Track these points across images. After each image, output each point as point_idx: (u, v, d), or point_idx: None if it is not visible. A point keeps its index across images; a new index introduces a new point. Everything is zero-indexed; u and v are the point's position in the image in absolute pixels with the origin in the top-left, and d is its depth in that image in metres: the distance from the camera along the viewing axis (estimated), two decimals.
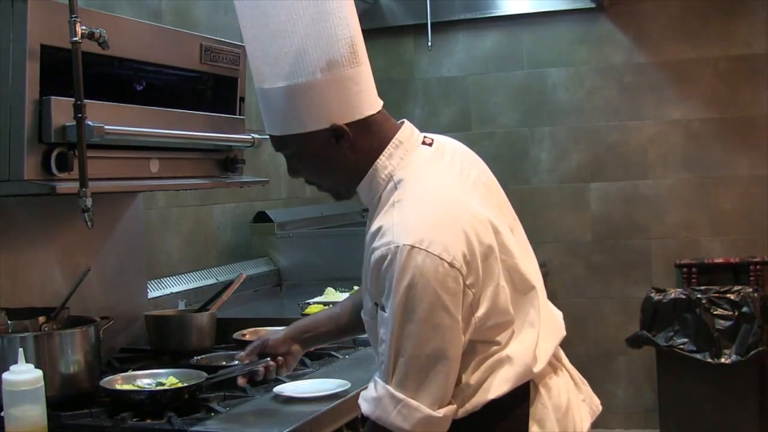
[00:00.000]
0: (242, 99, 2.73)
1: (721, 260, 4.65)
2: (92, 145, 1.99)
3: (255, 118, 3.84)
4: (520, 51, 4.93)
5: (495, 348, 1.66)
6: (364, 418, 1.68)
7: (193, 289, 3.18)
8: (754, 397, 4.35)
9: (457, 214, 1.63)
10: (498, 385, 1.66)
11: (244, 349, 2.52)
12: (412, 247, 1.55)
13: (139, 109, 2.27)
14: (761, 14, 4.60)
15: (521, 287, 1.70)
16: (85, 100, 1.95)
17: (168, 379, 2.20)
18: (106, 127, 2.00)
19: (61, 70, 1.96)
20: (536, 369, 1.69)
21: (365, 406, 1.62)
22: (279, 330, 2.15)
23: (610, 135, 4.81)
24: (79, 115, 1.94)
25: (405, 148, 1.76)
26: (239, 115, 2.72)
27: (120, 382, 2.17)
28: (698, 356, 4.29)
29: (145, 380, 2.21)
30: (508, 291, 1.66)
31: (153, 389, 2.14)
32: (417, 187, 1.68)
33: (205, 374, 2.17)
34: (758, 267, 4.58)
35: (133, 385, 2.18)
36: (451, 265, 1.56)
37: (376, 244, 1.61)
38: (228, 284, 2.81)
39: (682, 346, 4.33)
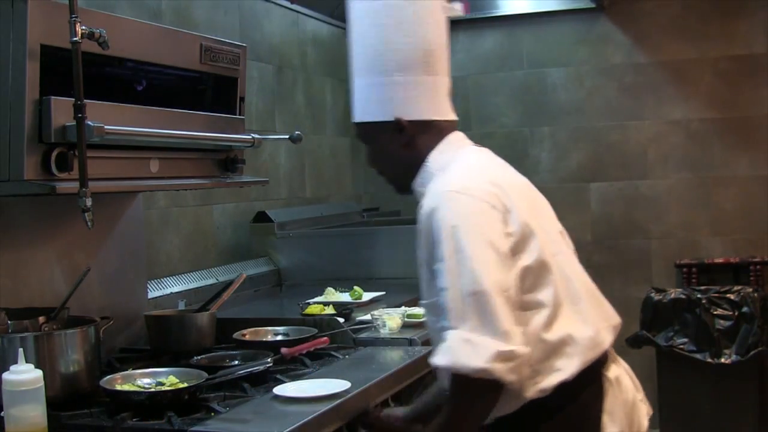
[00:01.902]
0: (242, 99, 2.73)
1: (721, 260, 4.65)
2: (92, 145, 2.00)
3: (255, 118, 3.85)
4: (520, 51, 4.93)
5: (547, 318, 1.78)
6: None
7: (193, 289, 3.18)
8: (754, 397, 4.35)
9: (498, 175, 1.88)
10: (566, 365, 1.78)
11: (244, 349, 2.54)
12: (454, 192, 1.77)
13: (139, 109, 2.27)
14: (761, 14, 4.60)
15: (565, 270, 1.86)
16: (85, 100, 1.95)
17: (168, 379, 2.20)
18: (106, 127, 2.00)
19: (61, 70, 1.96)
20: (598, 351, 1.83)
21: (439, 359, 1.70)
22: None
23: (610, 135, 4.81)
24: (79, 115, 1.94)
25: (455, 146, 1.96)
26: (239, 115, 2.72)
27: (120, 382, 2.17)
28: (698, 356, 4.29)
29: (145, 380, 2.21)
30: (547, 255, 1.81)
31: (153, 389, 2.14)
32: (461, 161, 1.90)
33: (205, 374, 2.17)
34: (758, 267, 4.58)
35: (133, 385, 2.18)
36: (492, 207, 1.75)
37: (426, 204, 1.79)
38: (228, 284, 2.81)
39: (682, 346, 4.33)
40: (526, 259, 1.78)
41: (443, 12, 1.97)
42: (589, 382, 1.83)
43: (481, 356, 1.65)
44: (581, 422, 1.83)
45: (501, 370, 1.65)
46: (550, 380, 1.78)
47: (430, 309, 1.84)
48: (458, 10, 2.00)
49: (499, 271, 1.71)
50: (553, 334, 1.78)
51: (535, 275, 1.79)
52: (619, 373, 1.92)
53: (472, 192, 1.77)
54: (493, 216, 1.75)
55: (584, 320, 1.84)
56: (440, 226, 1.73)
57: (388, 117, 1.91)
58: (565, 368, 1.78)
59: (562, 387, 1.78)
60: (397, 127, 1.91)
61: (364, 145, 2.03)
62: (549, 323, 1.79)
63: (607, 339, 1.88)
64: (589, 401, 1.83)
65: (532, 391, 1.77)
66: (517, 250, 1.76)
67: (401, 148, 1.92)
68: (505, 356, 1.65)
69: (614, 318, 1.94)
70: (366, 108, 1.97)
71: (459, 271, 1.69)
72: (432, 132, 1.93)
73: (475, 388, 1.70)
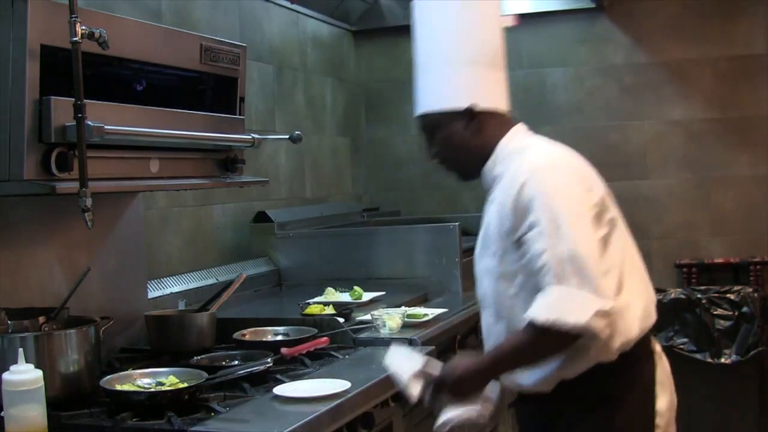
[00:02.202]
0: (242, 99, 2.73)
1: (721, 260, 4.65)
2: (92, 145, 2.00)
3: (255, 118, 3.85)
4: (520, 51, 4.93)
5: (616, 284, 1.93)
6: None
7: (193, 289, 3.18)
8: (754, 397, 4.35)
9: (575, 155, 2.07)
10: (628, 330, 1.94)
11: (244, 349, 2.54)
12: (544, 167, 1.96)
13: (139, 109, 2.27)
14: (761, 14, 4.60)
15: (626, 244, 2.06)
16: (85, 100, 1.95)
17: (168, 379, 2.20)
18: (106, 127, 2.00)
19: (61, 70, 1.96)
20: (649, 323, 2.01)
21: (540, 314, 1.84)
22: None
23: (610, 135, 4.81)
24: (79, 115, 1.94)
25: (524, 134, 2.13)
26: (239, 115, 2.72)
27: (120, 382, 2.17)
28: (698, 356, 4.29)
29: (145, 380, 2.21)
30: (616, 228, 2.01)
31: (153, 389, 2.14)
32: (539, 144, 2.09)
33: (205, 374, 2.17)
34: (758, 267, 4.58)
35: (133, 385, 2.18)
36: (579, 181, 1.97)
37: (512, 178, 1.96)
38: (228, 284, 2.81)
39: (682, 346, 4.33)
40: (603, 230, 1.96)
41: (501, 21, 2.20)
42: (643, 352, 2.02)
43: (584, 313, 1.82)
44: (640, 389, 2.01)
45: (599, 326, 1.83)
46: (615, 342, 1.92)
47: (505, 277, 1.99)
48: (510, 21, 2.22)
49: (591, 236, 1.90)
50: (619, 301, 1.91)
51: (606, 245, 1.95)
52: (660, 348, 2.11)
53: (560, 167, 1.98)
54: (580, 188, 1.96)
55: (639, 292, 2.01)
56: (533, 196, 1.90)
57: (461, 105, 2.06)
58: (628, 333, 1.94)
59: (622, 354, 1.95)
60: (469, 114, 2.06)
61: (426, 137, 2.15)
62: (618, 290, 1.93)
63: (654, 312, 2.05)
64: (644, 370, 2.02)
65: (601, 353, 1.93)
66: (596, 221, 1.95)
67: (472, 135, 2.08)
68: (603, 313, 1.83)
69: (654, 295, 2.10)
70: (437, 98, 2.10)
71: (558, 234, 1.87)
72: (499, 121, 2.11)
73: (564, 339, 1.86)
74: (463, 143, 2.09)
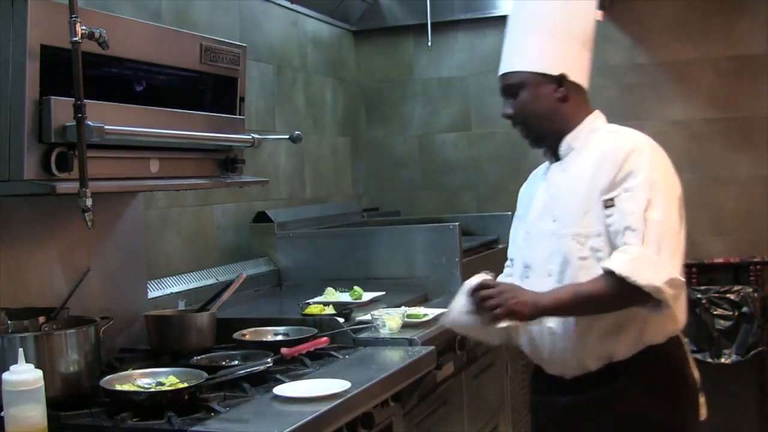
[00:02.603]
0: (242, 99, 2.73)
1: (721, 260, 4.65)
2: (92, 145, 2.00)
3: (255, 118, 3.85)
4: None
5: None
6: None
7: (193, 289, 3.18)
8: (754, 397, 4.35)
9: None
10: (684, 309, 2.16)
11: (244, 349, 2.54)
12: (655, 146, 2.18)
13: (139, 109, 2.27)
14: (761, 14, 4.59)
15: None
16: (85, 100, 1.94)
17: (168, 379, 2.20)
18: (106, 127, 2.00)
19: (61, 70, 1.96)
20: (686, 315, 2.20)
21: (618, 266, 2.00)
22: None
23: None
24: (79, 115, 1.94)
25: (604, 120, 2.33)
26: (239, 115, 2.72)
27: (120, 382, 2.16)
28: (698, 356, 4.29)
29: (145, 380, 2.21)
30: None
31: (153, 389, 2.14)
32: (635, 131, 2.26)
33: (205, 374, 2.17)
34: (758, 267, 4.58)
35: (133, 385, 2.18)
36: (674, 172, 2.17)
37: (616, 144, 2.17)
38: (228, 284, 2.81)
39: None
40: (681, 219, 2.14)
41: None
42: (681, 338, 2.22)
43: (660, 276, 1.98)
44: (686, 369, 2.21)
45: (669, 293, 1.99)
46: (681, 316, 2.16)
47: (579, 238, 2.13)
48: (600, 15, 2.40)
49: (676, 216, 2.09)
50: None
51: (680, 232, 2.13)
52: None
53: (664, 153, 2.19)
54: (675, 178, 2.17)
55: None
56: (638, 166, 2.09)
57: (555, 71, 2.22)
58: (683, 314, 2.17)
59: (670, 338, 2.17)
60: (560, 81, 2.22)
61: (508, 95, 2.27)
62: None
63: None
64: (682, 352, 2.21)
65: (668, 324, 2.14)
66: (680, 209, 2.14)
67: (557, 101, 2.23)
68: (676, 283, 2.01)
69: None
70: (533, 60, 2.23)
71: (652, 204, 2.05)
72: (582, 97, 2.28)
73: (634, 295, 2.00)
74: (549, 107, 2.23)
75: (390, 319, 2.77)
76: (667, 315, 2.08)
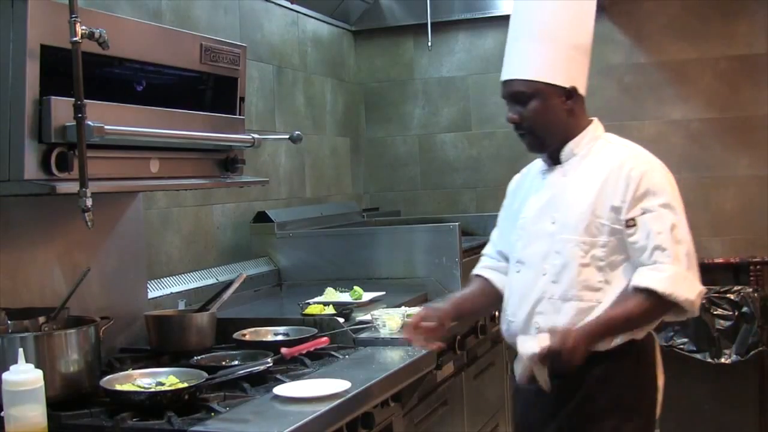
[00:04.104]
0: (242, 99, 2.73)
1: (721, 260, 4.65)
2: (92, 145, 1.99)
3: (255, 118, 3.85)
4: None
5: None
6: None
7: (193, 289, 3.18)
8: (754, 397, 4.35)
9: None
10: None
11: (244, 349, 2.54)
12: (663, 166, 2.27)
13: (139, 109, 2.27)
14: (761, 14, 4.59)
15: None
16: (85, 100, 1.94)
17: (168, 379, 2.20)
18: (106, 127, 2.00)
19: (61, 70, 1.96)
20: None
21: (661, 285, 2.13)
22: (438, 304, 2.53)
23: None
24: (79, 115, 1.94)
25: (602, 127, 2.39)
26: (239, 115, 2.72)
27: (120, 382, 2.17)
28: (698, 356, 4.29)
29: (145, 380, 2.21)
30: None
31: (153, 389, 2.14)
32: (634, 145, 2.35)
33: (205, 374, 2.17)
34: (758, 267, 4.58)
35: (133, 385, 2.18)
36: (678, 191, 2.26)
37: (627, 161, 2.24)
38: (228, 284, 2.81)
39: (682, 346, 4.33)
40: None
41: None
42: (650, 340, 2.30)
43: (693, 291, 2.15)
44: (653, 368, 2.30)
45: (698, 304, 2.17)
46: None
47: (581, 245, 2.20)
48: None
49: (690, 234, 2.21)
50: None
51: None
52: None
53: (669, 173, 2.28)
54: (680, 198, 2.24)
55: None
56: (654, 187, 2.19)
57: (566, 83, 2.26)
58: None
59: (649, 334, 2.27)
60: (569, 94, 2.27)
61: (515, 101, 2.28)
62: None
63: None
64: (654, 351, 2.31)
65: (643, 332, 2.25)
66: None
67: (565, 112, 2.27)
68: (702, 294, 2.18)
69: None
70: (546, 70, 2.25)
71: (679, 223, 2.18)
72: (583, 106, 2.34)
73: (671, 309, 2.17)
74: (557, 117, 2.27)
75: (390, 319, 2.77)
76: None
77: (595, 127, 2.36)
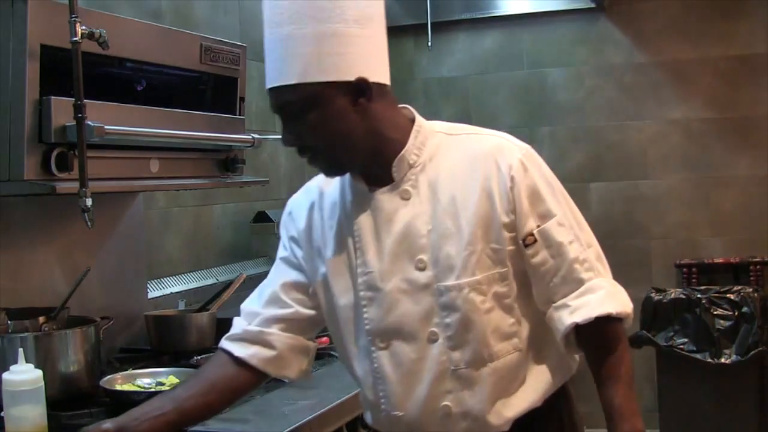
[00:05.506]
0: (242, 99, 2.73)
1: (721, 260, 4.65)
2: (92, 145, 2.00)
3: (255, 118, 3.85)
4: (520, 51, 4.93)
5: None
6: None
7: (193, 289, 3.18)
8: (754, 397, 4.35)
9: None
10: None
11: None
12: (529, 151, 1.71)
13: (139, 109, 2.27)
14: (761, 14, 4.59)
15: None
16: (85, 100, 1.95)
17: (168, 378, 2.20)
18: (106, 127, 2.00)
19: (61, 70, 1.96)
20: None
21: (607, 307, 1.62)
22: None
23: (610, 135, 4.81)
24: (79, 115, 1.94)
25: (424, 134, 1.72)
26: (239, 115, 2.72)
27: (120, 382, 2.17)
28: (698, 356, 4.29)
29: (145, 380, 2.21)
30: None
31: (153, 389, 2.14)
32: (483, 130, 1.88)
33: None
34: (758, 267, 4.58)
35: (133, 385, 2.18)
36: None
37: (489, 158, 1.68)
38: (228, 284, 2.81)
39: (682, 346, 4.33)
40: None
41: None
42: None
43: (628, 301, 1.68)
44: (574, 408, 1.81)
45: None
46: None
47: (483, 285, 1.63)
48: None
49: None
50: None
51: None
52: None
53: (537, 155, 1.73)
54: None
55: None
56: (539, 179, 1.66)
57: (348, 76, 1.56)
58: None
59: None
60: (358, 88, 1.58)
61: (289, 118, 1.62)
62: None
63: None
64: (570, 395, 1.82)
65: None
66: None
67: (358, 114, 1.60)
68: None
69: None
70: (315, 65, 1.55)
71: (578, 225, 1.68)
72: (387, 99, 1.67)
73: (623, 329, 1.69)
74: (349, 126, 1.60)
75: None
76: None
77: (420, 120, 1.72)
